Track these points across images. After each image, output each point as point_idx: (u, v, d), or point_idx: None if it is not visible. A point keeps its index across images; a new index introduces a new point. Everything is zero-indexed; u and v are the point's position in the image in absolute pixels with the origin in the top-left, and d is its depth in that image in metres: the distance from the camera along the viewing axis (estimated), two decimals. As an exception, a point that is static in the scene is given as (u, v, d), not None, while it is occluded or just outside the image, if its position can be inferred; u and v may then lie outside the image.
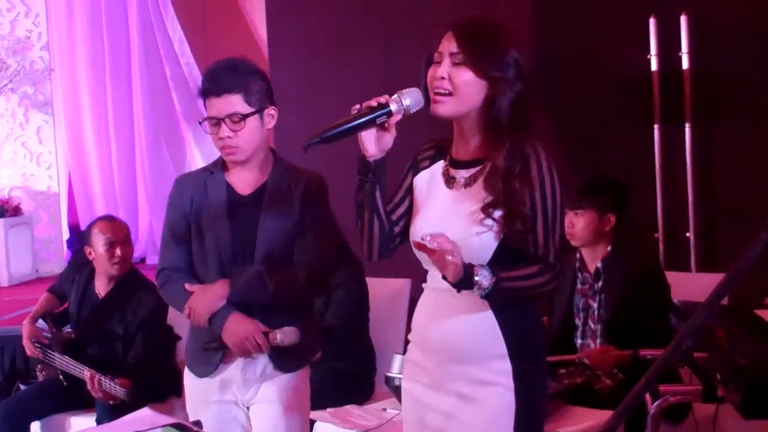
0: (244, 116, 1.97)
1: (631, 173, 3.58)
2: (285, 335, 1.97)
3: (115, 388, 2.81)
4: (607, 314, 2.59)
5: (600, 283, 2.63)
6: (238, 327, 1.97)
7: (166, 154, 6.52)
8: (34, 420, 3.11)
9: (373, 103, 1.59)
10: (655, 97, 3.65)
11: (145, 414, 1.93)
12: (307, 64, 4.22)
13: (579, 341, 2.68)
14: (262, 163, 2.04)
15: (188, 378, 2.11)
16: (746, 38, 3.52)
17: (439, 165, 1.68)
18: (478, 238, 1.56)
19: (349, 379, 2.90)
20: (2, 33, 6.08)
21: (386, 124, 1.60)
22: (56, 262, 6.12)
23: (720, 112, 3.58)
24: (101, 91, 6.55)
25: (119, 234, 3.09)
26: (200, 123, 2.05)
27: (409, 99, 1.59)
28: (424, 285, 1.69)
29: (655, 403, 1.84)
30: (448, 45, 1.60)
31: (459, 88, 1.58)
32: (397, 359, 2.38)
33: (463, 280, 1.52)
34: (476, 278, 1.52)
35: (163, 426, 1.77)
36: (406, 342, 1.74)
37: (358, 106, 1.60)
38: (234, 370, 2.03)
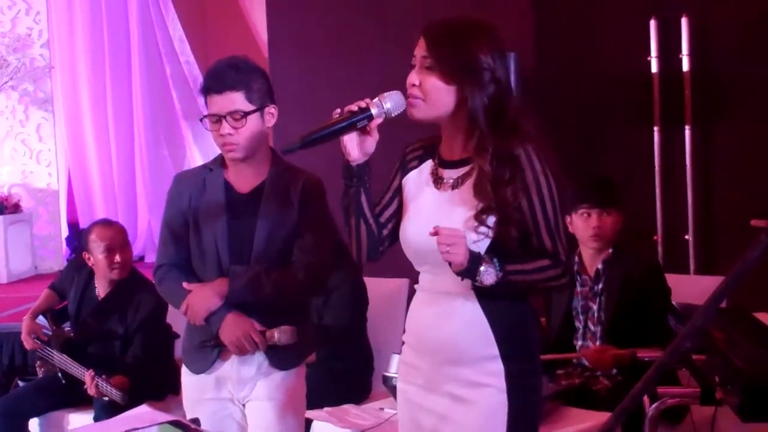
0: (246, 114, 1.97)
1: (630, 175, 3.58)
2: (282, 334, 1.98)
3: (112, 391, 2.82)
4: (606, 316, 2.59)
5: (600, 285, 2.63)
6: (235, 326, 1.98)
7: (165, 152, 6.52)
8: (32, 417, 3.11)
9: (354, 107, 1.59)
10: (655, 98, 3.65)
11: (142, 411, 1.92)
12: (307, 64, 4.23)
13: (579, 343, 2.68)
14: (261, 161, 2.04)
15: (185, 375, 2.12)
16: (746, 40, 3.52)
17: (428, 165, 1.67)
18: (475, 246, 1.56)
19: (346, 378, 2.90)
20: (3, 30, 6.08)
21: (368, 128, 1.59)
22: (55, 260, 6.12)
23: (720, 114, 3.59)
24: (101, 88, 6.55)
25: (117, 239, 3.07)
26: (201, 120, 2.05)
27: (389, 102, 1.59)
28: (416, 286, 1.69)
29: (654, 405, 1.84)
30: (420, 49, 1.60)
31: (428, 93, 1.58)
32: (395, 359, 2.38)
33: (468, 270, 1.52)
34: (480, 270, 1.52)
35: (161, 423, 1.77)
36: (402, 342, 1.74)
37: (339, 110, 1.60)
38: (230, 367, 2.03)
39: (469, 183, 1.60)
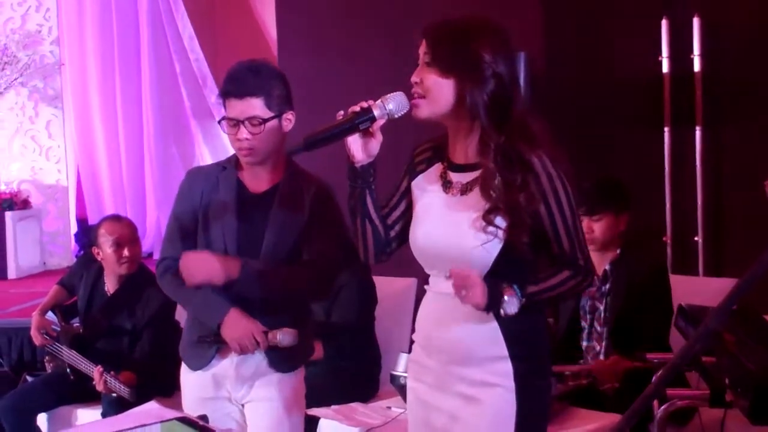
0: (264, 120, 1.97)
1: (640, 176, 3.56)
2: (284, 336, 1.97)
3: (120, 387, 2.82)
4: (612, 317, 2.58)
5: (607, 286, 2.63)
6: (238, 323, 1.97)
7: (174, 149, 6.53)
8: (40, 412, 3.13)
9: (356, 108, 1.59)
10: (666, 99, 3.63)
11: (151, 407, 1.92)
12: (316, 62, 4.22)
13: (585, 343, 2.68)
14: (276, 164, 2.04)
15: (184, 374, 2.12)
16: (758, 41, 3.50)
17: (437, 167, 1.66)
18: (483, 248, 1.56)
19: (354, 376, 2.90)
20: (13, 27, 6.10)
21: (370, 130, 1.59)
22: (64, 256, 6.14)
23: (731, 115, 3.56)
24: (111, 85, 6.57)
25: (126, 234, 3.09)
26: (219, 122, 2.05)
27: (392, 103, 1.59)
28: (426, 287, 1.69)
29: (662, 407, 1.83)
30: (421, 48, 1.60)
31: (428, 89, 1.58)
32: (403, 358, 2.38)
33: (490, 306, 1.54)
34: (504, 302, 1.53)
35: (169, 420, 1.77)
36: (412, 341, 1.74)
37: (342, 112, 1.60)
38: (228, 365, 2.03)
39: (478, 188, 1.60)
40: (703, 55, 3.55)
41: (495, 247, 1.57)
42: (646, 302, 2.55)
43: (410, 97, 1.59)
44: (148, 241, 6.39)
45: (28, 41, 6.07)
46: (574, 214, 1.58)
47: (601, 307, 2.63)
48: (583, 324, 2.67)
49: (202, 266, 1.97)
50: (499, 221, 1.56)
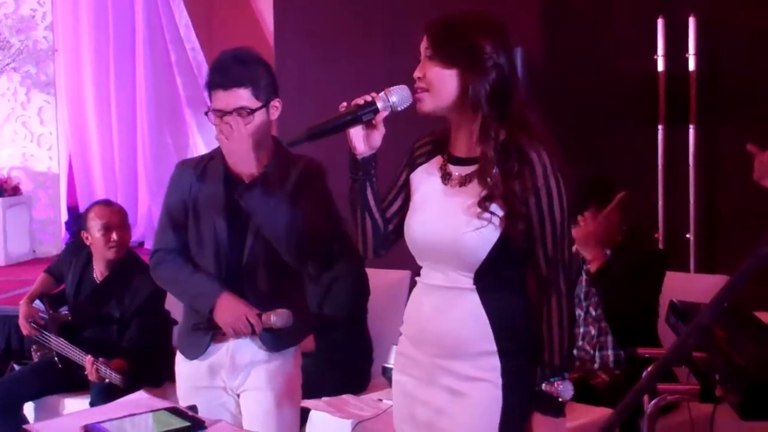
0: (252, 111, 1.96)
1: (633, 173, 3.58)
2: (278, 317, 1.96)
3: (113, 375, 2.82)
4: (608, 299, 2.61)
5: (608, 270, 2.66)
6: (230, 306, 1.97)
7: (167, 138, 6.49)
8: (27, 401, 3.11)
9: (360, 101, 1.60)
10: (661, 97, 3.64)
11: (139, 397, 1.92)
12: (313, 54, 4.21)
13: (581, 329, 2.71)
14: (263, 150, 2.03)
15: (179, 363, 2.11)
16: (754, 41, 3.51)
17: (437, 160, 1.67)
18: (476, 233, 1.55)
19: (346, 368, 2.89)
20: (6, 11, 6.04)
21: (373, 122, 1.60)
22: (54, 244, 6.11)
23: (725, 114, 3.58)
24: (104, 73, 6.52)
25: (115, 218, 3.08)
26: (206, 114, 2.03)
27: (395, 96, 1.60)
28: (417, 278, 1.69)
29: (653, 402, 1.84)
30: (423, 44, 1.62)
31: (432, 82, 1.59)
32: (395, 350, 2.37)
33: (557, 410, 1.57)
34: (559, 396, 1.55)
35: (158, 410, 1.76)
36: (400, 333, 1.74)
37: (345, 103, 1.61)
38: (223, 353, 2.03)
39: (477, 179, 1.59)
40: (698, 55, 3.56)
41: (491, 235, 1.56)
42: (640, 283, 2.57)
43: (413, 92, 1.61)
44: (139, 230, 6.36)
45: (22, 26, 6.02)
46: (563, 214, 1.58)
47: (599, 293, 2.65)
48: (579, 312, 2.70)
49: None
50: (495, 209, 1.56)
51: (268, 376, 2.03)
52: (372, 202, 1.66)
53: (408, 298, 1.73)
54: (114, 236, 3.05)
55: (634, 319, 2.56)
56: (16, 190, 5.99)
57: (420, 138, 1.72)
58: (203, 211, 2.03)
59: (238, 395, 2.06)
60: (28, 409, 3.12)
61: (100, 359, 2.86)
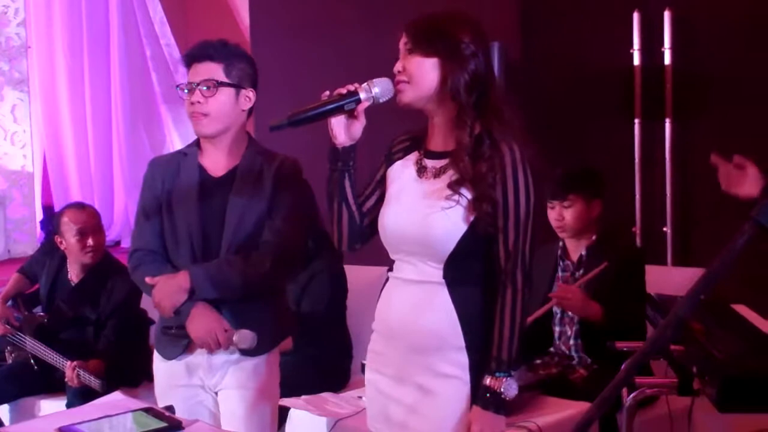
0: (219, 83, 1.95)
1: (610, 166, 3.58)
2: (240, 338, 1.96)
3: (93, 380, 2.79)
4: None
5: (581, 271, 2.66)
6: (200, 320, 1.96)
7: (143, 136, 6.42)
8: (3, 403, 3.06)
9: (343, 90, 1.61)
10: (637, 91, 3.66)
11: (116, 398, 1.90)
12: (290, 47, 4.18)
13: (557, 329, 2.71)
14: (235, 145, 2.01)
15: (156, 362, 2.10)
16: (729, 35, 3.54)
17: (413, 155, 1.68)
18: (443, 215, 1.56)
19: (325, 366, 2.88)
20: (-23, 8, 5.95)
21: (355, 112, 1.61)
22: (29, 243, 6.02)
23: (700, 108, 3.60)
24: (78, 70, 6.43)
25: (90, 223, 3.03)
26: (177, 87, 2.02)
27: (378, 87, 1.61)
28: (389, 273, 1.69)
29: (631, 395, 1.85)
30: (402, 40, 1.64)
31: (412, 74, 1.61)
32: (373, 347, 2.36)
33: (498, 405, 1.55)
34: (503, 393, 1.55)
35: (134, 411, 1.74)
36: (373, 330, 1.73)
37: (327, 92, 1.62)
38: (200, 353, 2.01)
39: (452, 171, 1.60)
40: (674, 49, 3.58)
41: (459, 220, 1.57)
42: (619, 288, 2.56)
43: (394, 85, 1.62)
44: (116, 228, 6.29)
45: (-7, 23, 5.93)
46: (528, 208, 1.59)
47: None
48: (555, 309, 2.70)
49: (167, 299, 1.97)
50: (465, 192, 1.58)
51: (245, 375, 2.02)
52: (350, 194, 1.67)
53: (385, 295, 1.72)
54: (90, 241, 3.00)
55: (626, 331, 2.54)
56: (-11, 190, 5.90)
57: (398, 135, 1.73)
58: (177, 208, 2.01)
59: (216, 393, 2.05)
60: (3, 411, 3.07)
61: (78, 362, 2.83)
